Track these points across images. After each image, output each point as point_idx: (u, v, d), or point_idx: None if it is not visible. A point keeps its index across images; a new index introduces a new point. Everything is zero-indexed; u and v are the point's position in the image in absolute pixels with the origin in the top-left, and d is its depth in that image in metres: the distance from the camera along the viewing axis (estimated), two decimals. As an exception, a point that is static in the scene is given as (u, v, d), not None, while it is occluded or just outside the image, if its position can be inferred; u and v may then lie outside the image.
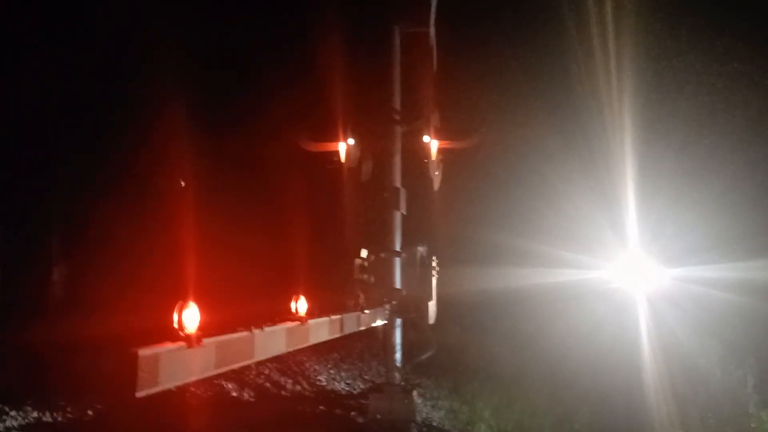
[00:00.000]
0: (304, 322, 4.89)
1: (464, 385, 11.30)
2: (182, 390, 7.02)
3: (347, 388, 10.74)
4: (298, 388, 9.85)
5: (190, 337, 3.27)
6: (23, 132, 10.60)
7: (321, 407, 9.14)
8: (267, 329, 4.24)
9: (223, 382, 8.57)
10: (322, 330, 5.46)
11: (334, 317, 5.71)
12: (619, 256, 18.02)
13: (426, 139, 8.07)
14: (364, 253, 7.92)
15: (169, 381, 3.09)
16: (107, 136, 11.25)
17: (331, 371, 11.18)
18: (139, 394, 2.87)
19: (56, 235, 11.48)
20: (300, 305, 4.91)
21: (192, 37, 10.69)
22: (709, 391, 11.64)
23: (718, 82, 16.47)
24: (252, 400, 8.73)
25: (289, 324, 4.69)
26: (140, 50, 10.30)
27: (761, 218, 15.35)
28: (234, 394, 8.59)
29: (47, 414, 5.87)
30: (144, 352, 2.93)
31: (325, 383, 10.58)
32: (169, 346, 3.17)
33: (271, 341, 4.33)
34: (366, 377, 11.50)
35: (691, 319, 14.25)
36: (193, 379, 3.43)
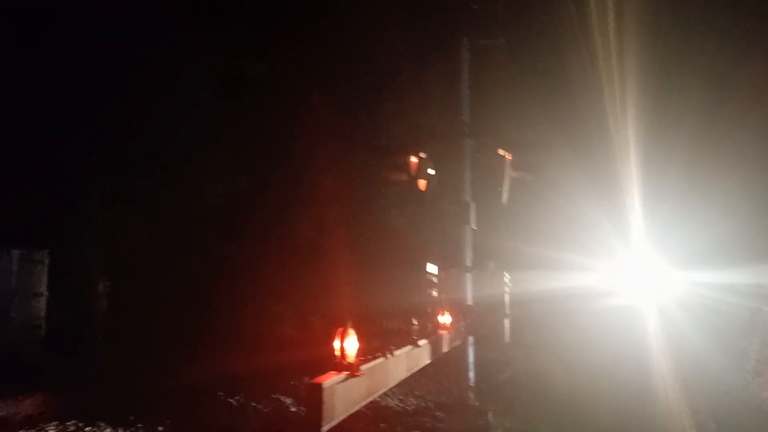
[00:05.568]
0: (417, 345, 4.77)
1: (521, 404, 11.06)
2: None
3: (400, 405, 10.54)
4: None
5: (352, 366, 3.13)
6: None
7: (381, 425, 8.95)
8: (396, 352, 4.12)
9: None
10: (425, 352, 5.34)
11: (432, 339, 5.60)
12: (633, 263, 18.27)
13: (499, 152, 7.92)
14: (433, 268, 7.78)
15: (342, 412, 2.95)
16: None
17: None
18: (324, 428, 2.72)
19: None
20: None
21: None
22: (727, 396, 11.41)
23: (726, 89, 16.30)
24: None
25: (409, 347, 4.58)
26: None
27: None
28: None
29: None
30: (325, 383, 2.78)
31: (378, 399, 10.38)
32: (337, 376, 3.02)
33: (396, 367, 4.21)
34: (417, 393, 11.30)
35: (702, 323, 14.10)
36: (356, 409, 3.30)
